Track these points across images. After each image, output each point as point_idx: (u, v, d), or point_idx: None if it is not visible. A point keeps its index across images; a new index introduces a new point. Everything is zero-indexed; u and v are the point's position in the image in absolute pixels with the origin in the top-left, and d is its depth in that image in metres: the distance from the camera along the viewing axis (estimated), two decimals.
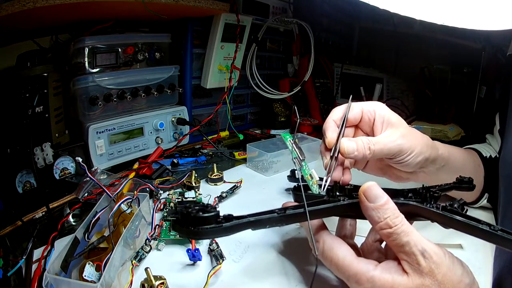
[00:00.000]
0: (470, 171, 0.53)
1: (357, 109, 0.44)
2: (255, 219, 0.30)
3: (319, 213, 0.35)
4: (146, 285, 0.39)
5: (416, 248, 0.30)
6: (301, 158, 0.43)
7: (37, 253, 0.46)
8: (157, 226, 0.51)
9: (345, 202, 0.35)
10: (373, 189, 0.33)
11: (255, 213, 0.32)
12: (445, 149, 0.48)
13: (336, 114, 0.44)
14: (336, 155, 0.41)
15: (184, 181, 0.65)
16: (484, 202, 0.57)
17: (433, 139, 0.46)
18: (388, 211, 0.32)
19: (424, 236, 0.32)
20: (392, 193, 0.39)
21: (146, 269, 0.38)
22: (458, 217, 0.32)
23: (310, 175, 0.42)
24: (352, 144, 0.40)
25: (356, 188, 0.40)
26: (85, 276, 0.38)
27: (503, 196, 0.47)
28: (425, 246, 0.30)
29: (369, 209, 0.33)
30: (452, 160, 0.49)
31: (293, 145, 0.43)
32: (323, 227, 0.38)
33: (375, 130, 0.43)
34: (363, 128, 0.45)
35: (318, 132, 1.07)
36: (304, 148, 0.82)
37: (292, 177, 0.56)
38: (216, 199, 0.62)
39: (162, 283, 0.39)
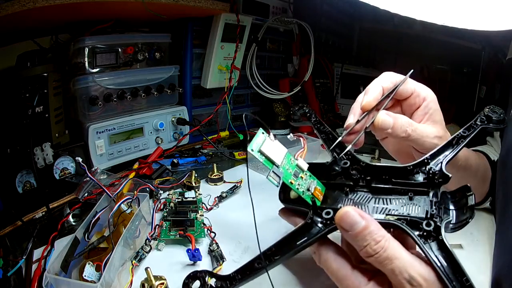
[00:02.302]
0: (481, 175, 0.53)
1: (410, 87, 0.40)
2: (244, 280, 0.30)
3: (302, 248, 0.33)
4: (146, 285, 0.39)
5: (402, 276, 0.28)
6: (277, 164, 0.35)
7: (37, 253, 0.46)
8: (157, 226, 0.51)
9: (323, 232, 0.33)
10: (348, 216, 0.30)
11: (242, 269, 0.31)
12: (463, 157, 0.47)
13: (387, 80, 0.40)
14: (368, 124, 0.37)
15: (184, 181, 0.65)
16: (486, 204, 0.57)
17: None
18: (368, 237, 0.29)
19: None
20: (399, 172, 0.36)
21: (146, 269, 0.38)
22: (436, 262, 0.28)
23: (295, 173, 0.36)
24: (389, 120, 0.37)
25: (367, 167, 0.37)
26: (85, 276, 0.38)
27: (500, 198, 0.47)
28: (412, 273, 0.28)
29: (348, 238, 0.30)
30: (467, 167, 0.48)
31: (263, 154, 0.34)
32: None
33: (415, 116, 0.41)
34: (403, 107, 0.42)
35: None
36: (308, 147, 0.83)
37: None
38: (216, 199, 0.62)
39: (162, 283, 0.39)
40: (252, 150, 0.34)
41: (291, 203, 0.40)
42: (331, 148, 0.41)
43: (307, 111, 0.47)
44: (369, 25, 1.30)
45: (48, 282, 0.36)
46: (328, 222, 0.33)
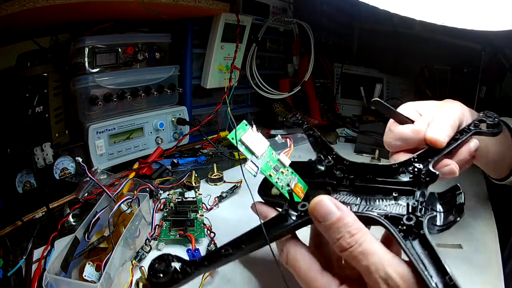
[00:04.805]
0: (498, 146, 0.47)
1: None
2: (210, 267, 0.30)
3: (273, 239, 0.32)
4: (140, 284, 0.39)
5: (378, 274, 0.25)
6: (256, 155, 0.35)
7: (37, 253, 0.46)
8: (157, 226, 0.51)
9: (297, 223, 0.31)
10: (322, 205, 0.28)
11: (209, 256, 0.30)
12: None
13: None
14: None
15: (184, 181, 0.65)
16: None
17: None
18: (342, 229, 0.27)
19: None
20: (384, 170, 0.35)
21: (140, 268, 0.39)
22: (417, 259, 0.25)
23: (275, 167, 0.36)
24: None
25: (351, 166, 0.37)
26: (85, 276, 0.38)
27: None
28: (389, 271, 0.25)
29: (321, 229, 0.28)
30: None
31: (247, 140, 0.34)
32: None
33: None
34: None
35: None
36: (304, 148, 0.83)
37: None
38: (216, 199, 0.62)
39: None
40: (233, 138, 0.34)
41: (271, 198, 0.40)
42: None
43: (299, 118, 0.48)
44: (369, 25, 1.30)
45: (48, 282, 0.36)
46: (303, 214, 0.32)
